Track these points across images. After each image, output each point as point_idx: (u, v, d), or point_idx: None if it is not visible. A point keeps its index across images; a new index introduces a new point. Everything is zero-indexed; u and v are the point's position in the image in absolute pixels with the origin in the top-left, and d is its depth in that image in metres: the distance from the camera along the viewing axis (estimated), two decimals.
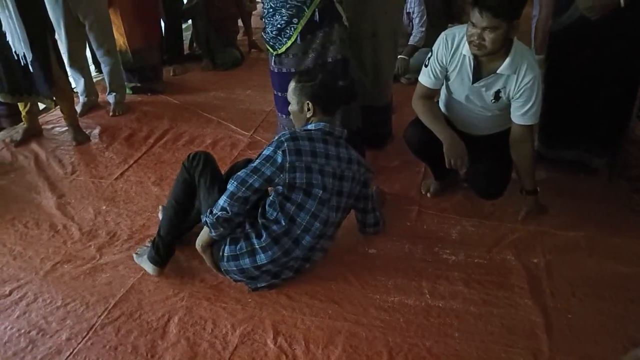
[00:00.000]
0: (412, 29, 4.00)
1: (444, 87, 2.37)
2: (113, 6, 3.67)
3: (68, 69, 3.41)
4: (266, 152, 1.90)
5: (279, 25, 2.36)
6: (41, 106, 3.32)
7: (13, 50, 2.84)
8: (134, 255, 2.18)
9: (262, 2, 2.46)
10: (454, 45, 2.20)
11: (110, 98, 3.68)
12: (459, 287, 2.04)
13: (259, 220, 1.94)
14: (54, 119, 3.53)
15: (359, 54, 2.76)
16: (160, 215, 2.38)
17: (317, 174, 1.91)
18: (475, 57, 2.14)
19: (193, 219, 2.15)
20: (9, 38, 2.82)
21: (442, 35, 2.25)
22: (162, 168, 2.96)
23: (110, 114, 3.63)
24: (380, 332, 1.85)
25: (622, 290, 2.01)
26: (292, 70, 2.42)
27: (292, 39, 2.37)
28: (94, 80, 3.83)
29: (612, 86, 2.43)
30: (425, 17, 3.95)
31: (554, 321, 1.88)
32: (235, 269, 1.94)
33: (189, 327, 1.89)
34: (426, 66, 2.30)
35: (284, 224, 1.92)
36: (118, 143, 3.26)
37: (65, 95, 3.16)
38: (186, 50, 4.96)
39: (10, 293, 2.06)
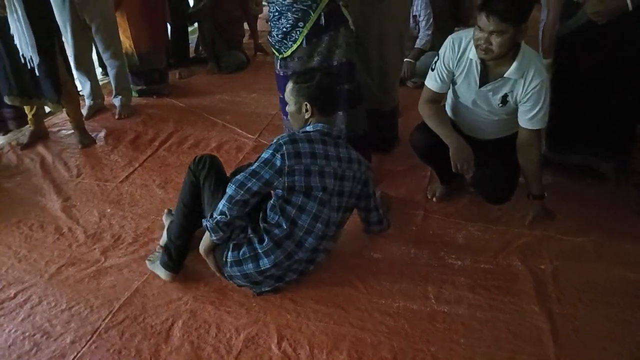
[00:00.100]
0: (419, 32, 4.00)
1: (450, 90, 2.36)
2: (120, 9, 3.69)
3: (74, 72, 3.43)
4: (265, 155, 1.89)
5: (284, 29, 2.36)
6: (47, 109, 3.33)
7: (20, 53, 2.86)
8: (147, 262, 2.17)
9: (268, 6, 2.47)
10: (461, 49, 2.19)
11: (116, 101, 3.70)
12: (465, 293, 2.03)
13: (261, 225, 1.93)
14: (60, 122, 3.54)
15: (366, 58, 2.76)
16: (164, 219, 2.38)
17: (317, 176, 1.90)
18: (482, 61, 2.13)
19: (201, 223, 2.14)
20: (16, 41, 2.83)
21: (449, 38, 2.24)
22: (167, 171, 2.96)
23: (116, 116, 3.64)
24: (386, 337, 1.83)
25: (630, 296, 1.99)
26: None
27: (298, 43, 2.37)
28: (100, 82, 3.85)
29: (619, 90, 2.42)
30: (431, 20, 3.96)
31: (561, 327, 1.86)
32: (239, 274, 1.93)
33: (193, 331, 1.88)
34: (433, 70, 2.29)
35: (285, 227, 1.91)
36: (123, 146, 3.26)
37: (71, 98, 3.17)
38: (192, 54, 4.98)
39: (15, 296, 2.06)
